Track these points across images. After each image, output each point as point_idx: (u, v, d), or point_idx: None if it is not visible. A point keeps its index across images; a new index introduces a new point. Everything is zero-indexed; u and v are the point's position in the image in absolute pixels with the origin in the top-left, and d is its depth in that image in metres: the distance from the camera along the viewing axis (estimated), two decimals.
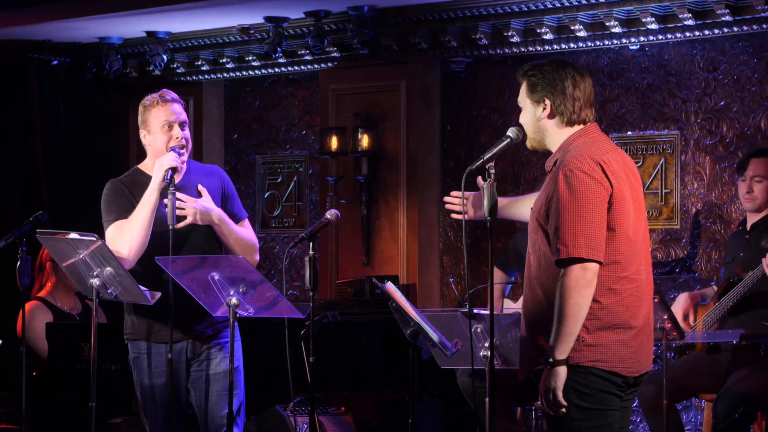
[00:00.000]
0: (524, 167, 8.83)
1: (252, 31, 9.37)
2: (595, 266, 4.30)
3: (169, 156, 5.44)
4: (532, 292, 4.48)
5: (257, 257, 5.65)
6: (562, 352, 4.29)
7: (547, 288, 4.40)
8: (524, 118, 4.59)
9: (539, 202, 4.47)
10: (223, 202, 5.64)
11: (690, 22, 7.78)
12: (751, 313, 6.56)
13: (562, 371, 4.30)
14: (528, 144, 4.63)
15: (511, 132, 4.64)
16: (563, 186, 4.33)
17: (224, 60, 9.78)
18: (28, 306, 7.70)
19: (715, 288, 6.86)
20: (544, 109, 4.52)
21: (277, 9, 8.89)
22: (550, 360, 4.30)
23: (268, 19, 9.05)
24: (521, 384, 4.63)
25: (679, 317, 6.55)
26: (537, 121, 4.54)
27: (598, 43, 8.27)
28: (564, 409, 4.32)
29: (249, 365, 5.75)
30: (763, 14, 7.54)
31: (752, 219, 6.82)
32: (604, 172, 4.36)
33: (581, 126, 4.51)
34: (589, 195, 4.32)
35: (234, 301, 5.25)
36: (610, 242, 4.35)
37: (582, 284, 4.28)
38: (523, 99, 4.58)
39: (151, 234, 5.41)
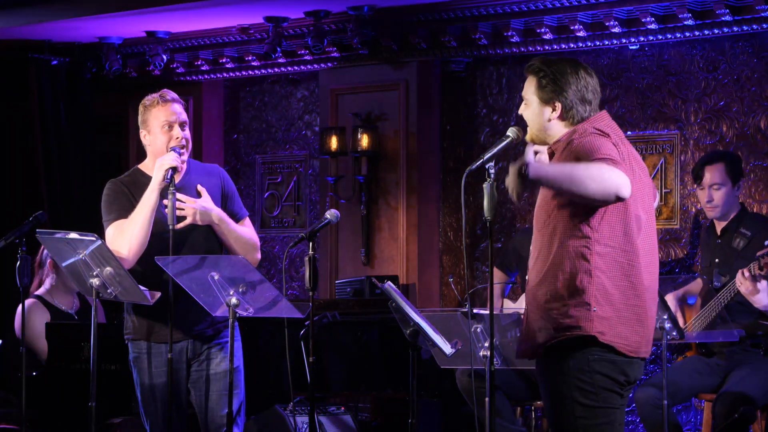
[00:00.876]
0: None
1: (252, 31, 9.38)
2: (628, 183, 4.26)
3: (170, 156, 5.43)
4: (546, 277, 4.44)
5: (258, 256, 5.65)
6: (538, 177, 4.23)
7: (558, 276, 4.38)
8: (528, 114, 4.57)
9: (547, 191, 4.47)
10: (224, 201, 5.64)
11: (690, 22, 7.79)
12: (747, 314, 6.55)
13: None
14: (527, 137, 4.61)
15: (511, 132, 4.63)
16: (578, 145, 4.32)
17: (224, 60, 9.79)
18: (26, 304, 7.69)
19: (700, 282, 6.84)
20: (554, 110, 4.50)
21: (277, 9, 8.89)
22: (526, 167, 4.22)
23: (268, 19, 9.05)
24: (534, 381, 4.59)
25: None
26: (546, 120, 4.52)
27: (597, 43, 8.28)
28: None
29: (249, 365, 5.75)
30: (763, 14, 7.54)
31: (720, 224, 6.78)
32: (612, 143, 4.37)
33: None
34: (606, 145, 4.32)
35: (234, 301, 5.24)
36: (618, 223, 4.35)
37: (612, 182, 4.22)
38: (530, 95, 4.55)
39: (151, 234, 5.41)
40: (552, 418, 4.47)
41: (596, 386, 4.37)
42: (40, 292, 7.81)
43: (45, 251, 7.69)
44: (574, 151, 4.36)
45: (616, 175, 4.24)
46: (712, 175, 6.70)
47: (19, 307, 7.70)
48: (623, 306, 4.38)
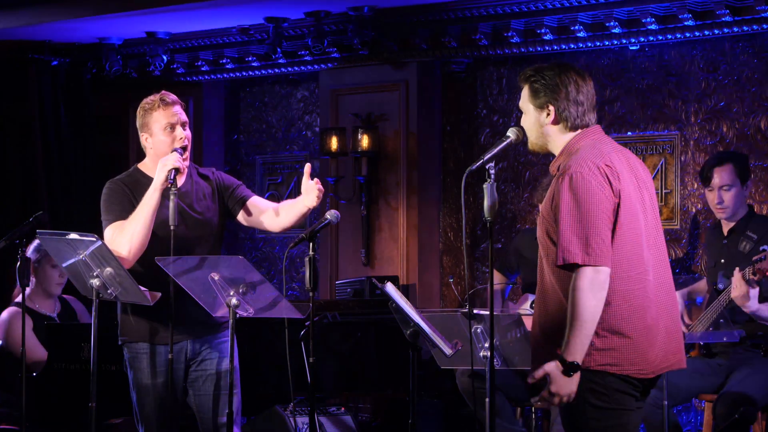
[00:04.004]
0: (524, 167, 8.84)
1: (252, 32, 9.38)
2: (606, 269, 4.29)
3: (173, 156, 5.43)
4: (547, 296, 4.45)
5: None
6: (580, 356, 4.27)
7: (564, 289, 4.38)
8: (526, 123, 4.58)
9: (546, 206, 4.46)
10: (225, 195, 5.63)
11: (690, 23, 7.79)
12: (747, 315, 6.54)
13: (577, 376, 4.29)
14: (530, 147, 4.62)
15: (511, 132, 4.64)
16: (566, 190, 4.32)
17: (224, 60, 9.79)
18: (6, 314, 7.63)
19: (705, 282, 6.83)
20: (548, 115, 4.50)
21: (277, 9, 8.89)
22: (574, 363, 4.26)
23: (268, 19, 9.06)
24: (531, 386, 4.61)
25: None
26: (541, 126, 4.53)
27: (598, 43, 8.28)
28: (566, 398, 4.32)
29: (249, 365, 5.75)
30: (763, 14, 7.54)
31: (727, 225, 6.74)
32: (608, 175, 4.35)
33: (584, 129, 4.51)
34: (592, 199, 4.31)
35: (234, 301, 5.24)
36: (616, 243, 4.34)
37: (598, 287, 4.27)
38: (525, 103, 4.56)
39: (153, 235, 5.41)
40: (565, 420, 4.46)
41: (609, 388, 4.35)
42: (19, 299, 7.75)
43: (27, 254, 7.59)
44: (559, 201, 4.34)
45: (595, 281, 4.26)
46: (721, 176, 6.62)
47: (4, 313, 7.67)
48: (633, 333, 4.35)
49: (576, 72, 4.52)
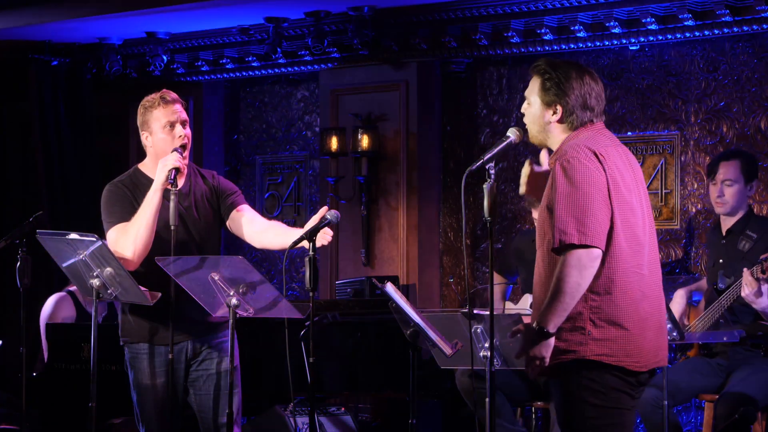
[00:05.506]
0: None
1: (252, 32, 9.38)
2: (597, 251, 4.29)
3: (172, 156, 5.43)
4: (545, 286, 4.45)
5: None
6: (555, 326, 4.31)
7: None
8: (529, 113, 4.57)
9: (546, 200, 4.47)
10: (220, 200, 5.63)
11: (690, 23, 7.79)
12: (747, 315, 6.55)
13: (552, 341, 4.32)
14: (530, 139, 4.62)
15: (511, 132, 4.64)
16: (561, 176, 4.33)
17: (224, 60, 9.79)
18: (55, 297, 7.71)
19: (705, 281, 6.84)
20: (555, 113, 4.50)
21: (277, 9, 8.89)
22: (545, 330, 4.31)
23: (268, 19, 9.06)
24: (534, 381, 4.63)
25: (679, 317, 6.55)
26: (546, 123, 4.53)
27: (598, 43, 8.28)
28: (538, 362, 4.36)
29: (249, 365, 5.74)
30: (763, 14, 7.54)
31: (727, 223, 6.76)
32: (600, 161, 4.36)
33: (586, 126, 4.51)
34: (587, 181, 4.32)
35: (234, 301, 5.24)
36: (615, 235, 4.35)
37: (584, 264, 4.28)
38: (533, 95, 4.55)
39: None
40: (562, 419, 4.46)
41: (607, 386, 4.36)
42: (74, 288, 7.78)
43: None
44: (555, 186, 4.35)
45: (584, 259, 4.27)
46: (726, 170, 6.67)
47: (48, 300, 7.70)
48: (629, 324, 4.36)
49: (590, 75, 4.51)
